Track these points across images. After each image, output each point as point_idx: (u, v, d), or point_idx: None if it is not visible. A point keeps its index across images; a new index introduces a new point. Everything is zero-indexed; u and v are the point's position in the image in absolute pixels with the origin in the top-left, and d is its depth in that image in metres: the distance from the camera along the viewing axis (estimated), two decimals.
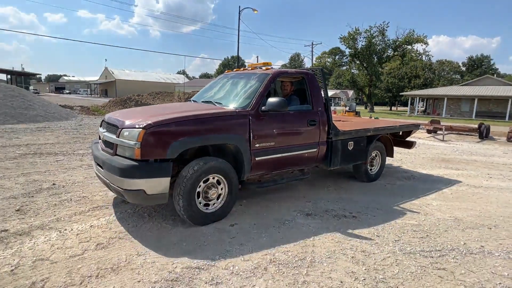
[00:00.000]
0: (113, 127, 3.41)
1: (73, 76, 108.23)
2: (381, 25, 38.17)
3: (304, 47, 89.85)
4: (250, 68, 4.83)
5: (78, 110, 20.01)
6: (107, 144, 3.48)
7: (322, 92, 4.54)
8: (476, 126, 13.47)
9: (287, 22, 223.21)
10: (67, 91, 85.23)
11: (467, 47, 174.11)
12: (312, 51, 42.75)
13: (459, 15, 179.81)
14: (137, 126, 3.08)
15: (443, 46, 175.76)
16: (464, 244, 3.24)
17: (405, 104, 43.17)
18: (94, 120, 15.05)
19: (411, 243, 3.20)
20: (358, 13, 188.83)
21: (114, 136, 3.28)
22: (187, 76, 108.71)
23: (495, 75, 42.57)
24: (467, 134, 14.15)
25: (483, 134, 13.02)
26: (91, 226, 3.33)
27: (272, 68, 4.48)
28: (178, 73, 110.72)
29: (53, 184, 4.71)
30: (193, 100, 4.74)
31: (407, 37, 38.52)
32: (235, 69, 5.21)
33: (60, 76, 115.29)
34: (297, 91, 4.62)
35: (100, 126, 3.93)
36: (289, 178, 4.44)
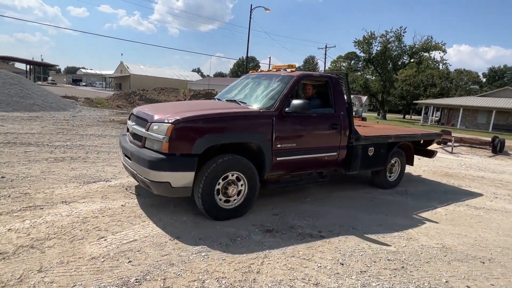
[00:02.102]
0: (143, 121, 3.51)
1: (91, 69, 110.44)
2: (397, 30, 37.14)
3: (317, 50, 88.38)
4: (274, 70, 4.82)
5: (82, 102, 19.97)
6: (136, 136, 3.60)
7: (345, 97, 4.51)
8: (490, 139, 12.59)
9: (303, 24, 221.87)
10: (84, 83, 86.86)
11: (489, 57, 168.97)
12: (325, 54, 41.98)
13: (482, 25, 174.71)
14: (166, 121, 3.18)
15: (464, 55, 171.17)
16: (446, 282, 2.65)
17: (420, 113, 41.64)
18: (92, 112, 14.86)
19: (380, 277, 2.63)
20: (376, 19, 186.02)
21: (143, 130, 3.40)
22: (201, 74, 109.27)
23: None
24: (479, 148, 13.25)
25: (497, 149, 12.12)
26: (9, 229, 2.89)
27: (296, 70, 4.45)
28: (193, 70, 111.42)
29: (2, 177, 4.33)
30: (217, 99, 4.79)
31: (425, 43, 37.29)
32: (259, 70, 5.24)
33: (78, 68, 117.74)
34: (320, 94, 4.57)
35: (128, 119, 4.05)
36: (307, 180, 4.45)
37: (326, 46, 41.95)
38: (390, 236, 3.50)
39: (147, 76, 72.87)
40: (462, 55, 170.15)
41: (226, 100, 4.48)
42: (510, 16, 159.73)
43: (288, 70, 4.48)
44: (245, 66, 31.33)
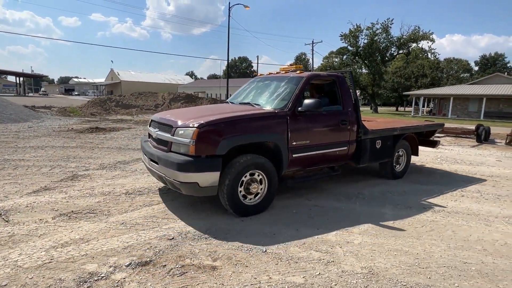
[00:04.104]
0: (167, 127, 3.69)
1: (84, 78, 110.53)
2: (384, 22, 36.38)
3: (305, 46, 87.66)
4: (283, 72, 5.00)
5: (56, 111, 19.23)
6: (160, 141, 3.79)
7: (351, 93, 4.70)
8: (474, 127, 11.89)
9: (294, 22, 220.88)
10: (76, 93, 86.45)
11: (482, 45, 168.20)
12: (312, 49, 41.30)
13: (474, 13, 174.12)
14: (191, 126, 3.36)
15: (458, 45, 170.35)
16: None
17: (415, 104, 40.64)
18: (57, 121, 14.08)
19: None
20: (367, 12, 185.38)
21: (168, 135, 3.57)
22: (195, 78, 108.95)
23: (505, 73, 40.04)
24: (466, 137, 12.55)
25: (481, 137, 11.42)
26: None
27: (304, 71, 4.66)
28: (187, 74, 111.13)
29: None
30: (230, 102, 4.99)
31: (412, 34, 36.55)
32: (268, 73, 5.45)
33: (71, 78, 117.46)
34: (327, 92, 4.87)
35: (149, 126, 4.28)
36: (320, 174, 4.65)
37: (312, 41, 41.25)
38: (307, 259, 2.77)
39: (139, 82, 72.65)
40: (455, 45, 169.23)
41: (240, 103, 4.68)
42: (501, 3, 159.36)
43: (298, 71, 4.66)
44: (227, 67, 30.59)
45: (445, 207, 4.25)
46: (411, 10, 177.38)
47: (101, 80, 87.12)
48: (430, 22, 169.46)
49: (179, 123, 3.52)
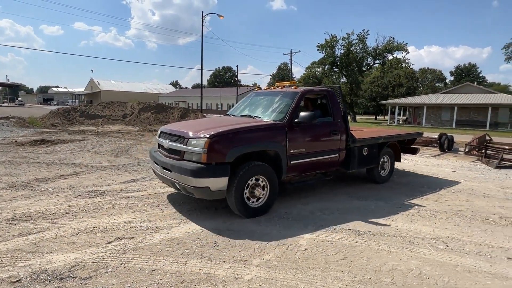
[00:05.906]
0: (179, 138, 3.99)
1: (64, 88, 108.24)
2: (361, 33, 36.99)
3: (283, 55, 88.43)
4: (280, 87, 5.45)
5: (14, 122, 18.20)
6: (172, 151, 4.07)
7: (340, 106, 5.11)
8: (437, 136, 11.79)
9: (276, 33, 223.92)
10: (55, 102, 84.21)
11: (458, 57, 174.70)
12: (291, 59, 41.50)
13: (450, 26, 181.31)
14: (202, 136, 3.72)
15: (436, 56, 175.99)
16: None
17: (393, 113, 41.08)
18: (7, 133, 13.14)
19: None
20: (348, 23, 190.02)
21: (181, 145, 3.88)
22: (179, 87, 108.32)
23: (475, 83, 41.29)
24: (432, 146, 12.45)
25: (444, 146, 11.31)
26: None
27: (298, 86, 5.11)
28: (171, 83, 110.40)
29: None
30: (232, 114, 5.33)
31: (387, 44, 37.29)
32: (266, 87, 6.08)
33: (50, 87, 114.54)
34: (319, 105, 5.40)
35: (159, 137, 4.53)
36: (315, 179, 5.03)
37: (291, 51, 41.48)
38: None
39: (119, 91, 71.51)
40: (433, 56, 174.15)
41: (241, 116, 5.05)
42: (476, 16, 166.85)
43: (293, 87, 5.07)
44: (201, 77, 30.16)
45: (375, 227, 3.85)
46: (390, 22, 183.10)
47: (82, 89, 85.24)
48: (409, 34, 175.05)
49: (191, 134, 3.85)
